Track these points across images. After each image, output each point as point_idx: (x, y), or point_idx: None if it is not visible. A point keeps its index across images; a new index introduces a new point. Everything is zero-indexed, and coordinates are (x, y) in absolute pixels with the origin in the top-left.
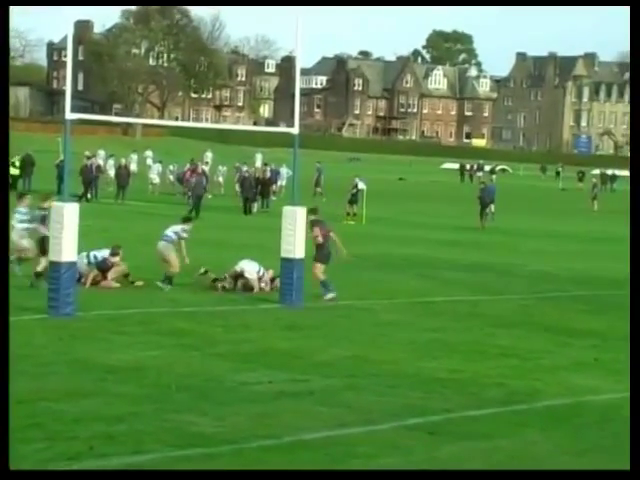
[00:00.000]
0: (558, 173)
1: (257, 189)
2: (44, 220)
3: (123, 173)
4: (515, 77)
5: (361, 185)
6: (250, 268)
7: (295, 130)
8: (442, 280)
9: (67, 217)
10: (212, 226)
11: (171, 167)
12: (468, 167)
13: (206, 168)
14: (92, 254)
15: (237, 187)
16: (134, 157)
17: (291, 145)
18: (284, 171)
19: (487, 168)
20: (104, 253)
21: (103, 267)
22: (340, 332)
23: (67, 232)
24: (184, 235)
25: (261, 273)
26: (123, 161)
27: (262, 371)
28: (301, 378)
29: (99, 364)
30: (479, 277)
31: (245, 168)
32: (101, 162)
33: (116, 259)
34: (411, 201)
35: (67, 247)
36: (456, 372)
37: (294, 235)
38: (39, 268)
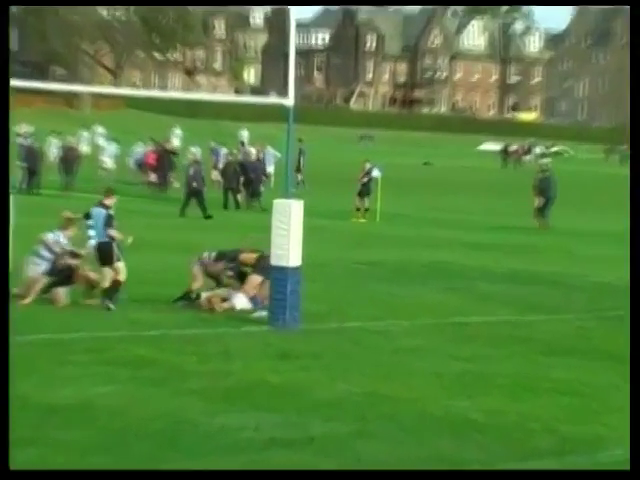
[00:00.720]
0: (624, 157)
1: (241, 178)
2: (110, 222)
3: (71, 156)
4: (574, 33)
5: (374, 172)
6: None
7: (289, 101)
8: (477, 294)
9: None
10: (182, 226)
11: (139, 149)
12: (513, 148)
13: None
14: (50, 238)
15: (214, 175)
16: (85, 135)
17: (283, 120)
18: (271, 154)
19: (538, 150)
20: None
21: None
22: (347, 362)
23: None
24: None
25: None
26: (72, 141)
27: (247, 413)
28: (297, 421)
29: (37, 403)
30: (524, 291)
31: (224, 150)
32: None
33: (76, 262)
34: (438, 193)
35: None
36: (495, 414)
37: (288, 236)
38: (106, 283)
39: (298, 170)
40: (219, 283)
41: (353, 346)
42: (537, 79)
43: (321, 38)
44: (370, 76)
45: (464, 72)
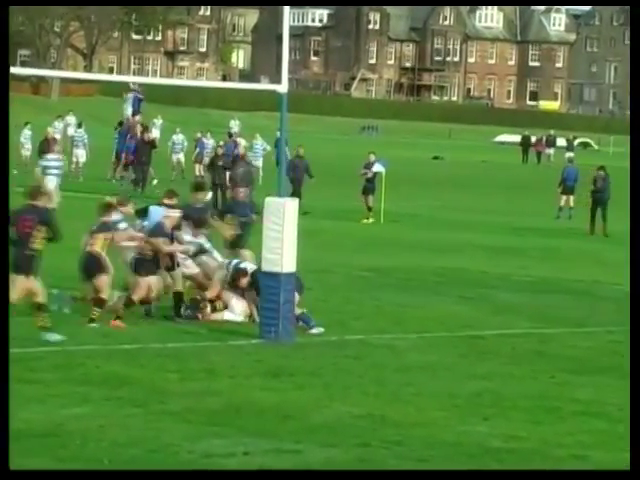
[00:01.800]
0: None
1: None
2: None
3: (47, 148)
4: (602, 12)
5: (377, 167)
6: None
7: (283, 87)
8: (495, 305)
9: None
10: None
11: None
12: (534, 140)
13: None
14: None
15: (198, 169)
16: (58, 126)
17: (276, 109)
18: (259, 146)
19: (561, 142)
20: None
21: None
22: (348, 380)
23: None
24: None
25: None
26: (50, 132)
27: (235, 437)
28: (291, 448)
29: None
30: (548, 301)
31: (210, 142)
32: None
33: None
34: (450, 190)
35: None
36: (515, 439)
37: (281, 239)
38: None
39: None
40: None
41: (355, 362)
42: (560, 64)
43: (319, 17)
44: (373, 60)
45: (479, 56)
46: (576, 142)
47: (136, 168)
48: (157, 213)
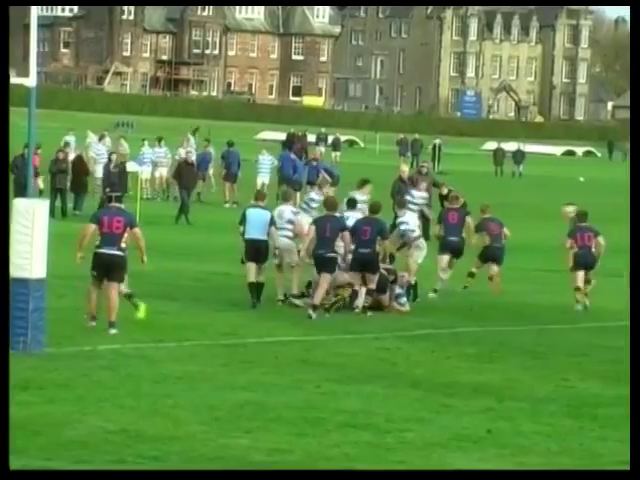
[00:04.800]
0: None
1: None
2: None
3: None
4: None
5: (131, 166)
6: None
7: (31, 81)
8: (258, 312)
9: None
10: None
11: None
12: (289, 137)
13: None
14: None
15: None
16: None
17: (24, 104)
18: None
19: (330, 140)
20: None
21: None
22: (102, 393)
23: None
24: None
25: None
26: None
27: None
28: (41, 465)
29: None
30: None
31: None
32: None
33: None
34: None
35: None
36: (279, 452)
37: (31, 242)
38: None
39: (230, 180)
40: None
41: (109, 373)
42: (324, 57)
43: (69, 7)
44: (128, 52)
45: (240, 49)
46: (342, 140)
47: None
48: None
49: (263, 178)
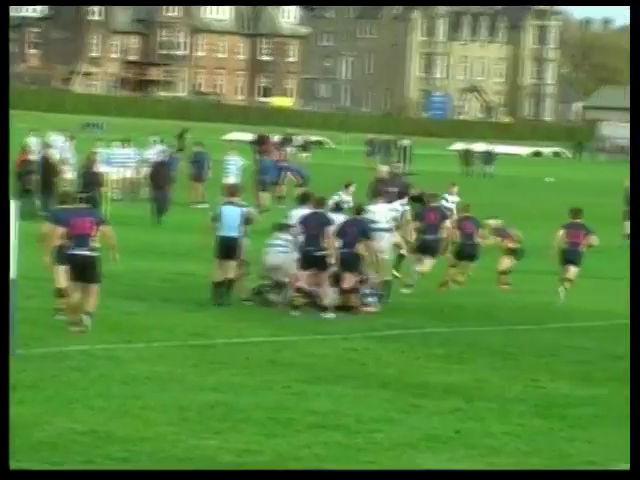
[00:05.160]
0: (386, 149)
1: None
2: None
3: None
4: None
5: (102, 166)
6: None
7: None
8: (227, 312)
9: None
10: None
11: None
12: (274, 139)
13: None
14: None
15: None
16: None
17: None
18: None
19: (299, 140)
20: None
21: None
22: (71, 394)
23: None
24: None
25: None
26: None
27: None
28: (12, 466)
29: None
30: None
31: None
32: None
33: None
34: (181, 189)
35: None
36: (249, 453)
37: None
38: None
39: (199, 180)
40: None
41: (78, 374)
42: (293, 58)
43: (37, 8)
44: (96, 53)
45: (208, 49)
46: (311, 140)
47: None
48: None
49: (231, 179)
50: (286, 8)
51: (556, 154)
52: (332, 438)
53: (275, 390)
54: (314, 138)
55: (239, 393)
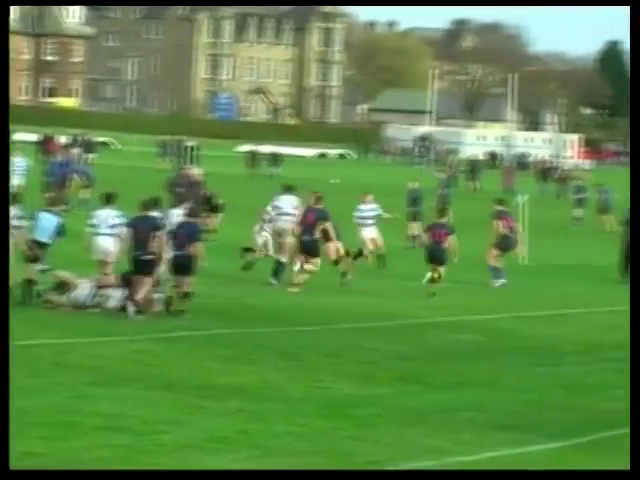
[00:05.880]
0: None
1: None
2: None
3: None
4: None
5: None
6: None
7: None
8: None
9: None
10: None
11: None
12: (40, 138)
13: None
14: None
15: None
16: None
17: None
18: None
19: (84, 141)
20: None
21: None
22: None
23: None
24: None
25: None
26: None
27: None
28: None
29: None
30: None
31: None
32: None
33: None
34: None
35: None
36: (35, 457)
37: None
38: None
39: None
40: None
41: None
42: (78, 58)
43: None
44: None
45: None
46: (97, 140)
47: None
48: None
49: (18, 180)
50: (71, 8)
51: (341, 156)
52: (117, 440)
53: (60, 393)
54: (99, 139)
55: (24, 396)
